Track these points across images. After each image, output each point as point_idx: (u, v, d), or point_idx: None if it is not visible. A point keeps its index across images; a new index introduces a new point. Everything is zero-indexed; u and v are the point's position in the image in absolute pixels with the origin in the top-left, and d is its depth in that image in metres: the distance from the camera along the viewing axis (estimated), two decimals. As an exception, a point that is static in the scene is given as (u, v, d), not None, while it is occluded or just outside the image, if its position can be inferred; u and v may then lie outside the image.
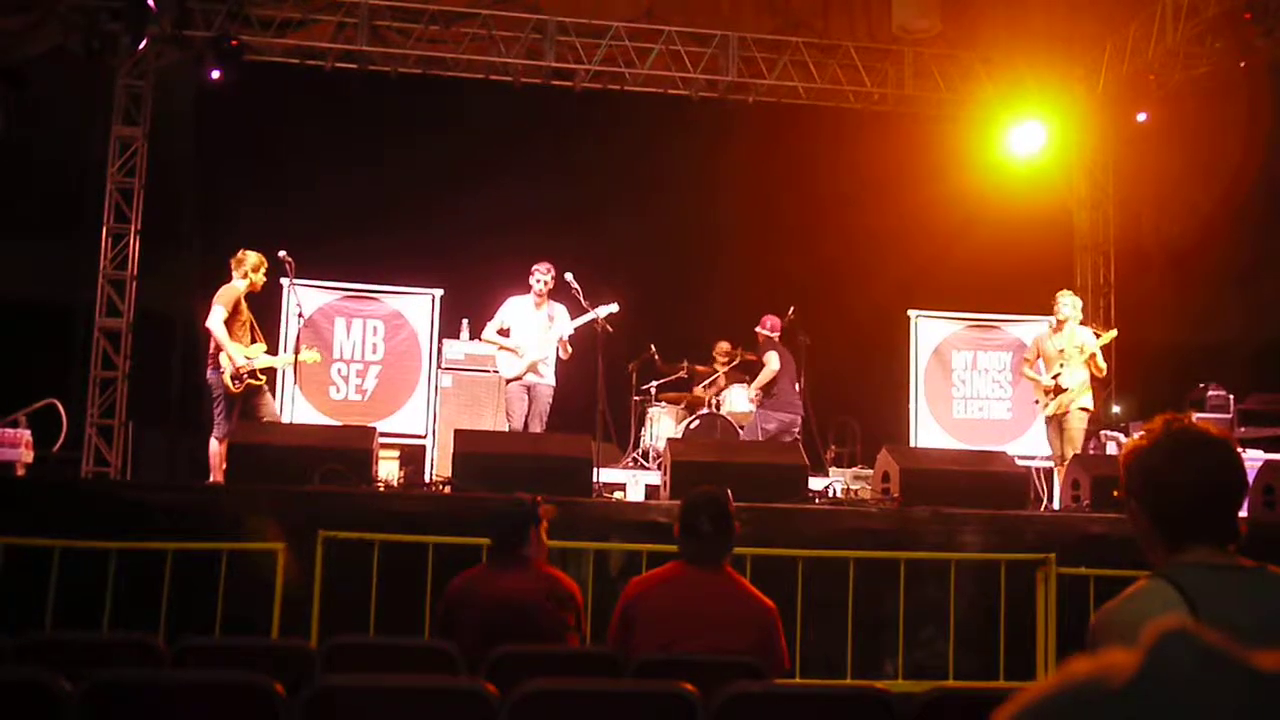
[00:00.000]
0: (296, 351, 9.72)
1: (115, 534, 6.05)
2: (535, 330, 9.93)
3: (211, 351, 8.90)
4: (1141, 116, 12.52)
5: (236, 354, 8.80)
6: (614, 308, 9.90)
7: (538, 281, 9.87)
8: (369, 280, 11.25)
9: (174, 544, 6.01)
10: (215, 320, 8.82)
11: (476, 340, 10.89)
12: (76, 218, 11.83)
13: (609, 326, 9.84)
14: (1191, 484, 2.34)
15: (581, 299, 9.81)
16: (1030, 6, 13.01)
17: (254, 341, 9.11)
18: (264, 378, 9.06)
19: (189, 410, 10.91)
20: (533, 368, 9.86)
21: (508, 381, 9.99)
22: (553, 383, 9.99)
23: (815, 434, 11.27)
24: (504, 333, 9.99)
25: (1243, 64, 11.18)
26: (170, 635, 5.28)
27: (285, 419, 10.46)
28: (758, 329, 11.07)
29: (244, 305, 9.06)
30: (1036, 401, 10.15)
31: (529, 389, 9.87)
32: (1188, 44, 11.68)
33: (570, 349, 9.87)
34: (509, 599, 4.37)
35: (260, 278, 9.15)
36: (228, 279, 9.09)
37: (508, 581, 4.46)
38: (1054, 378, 9.71)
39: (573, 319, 9.87)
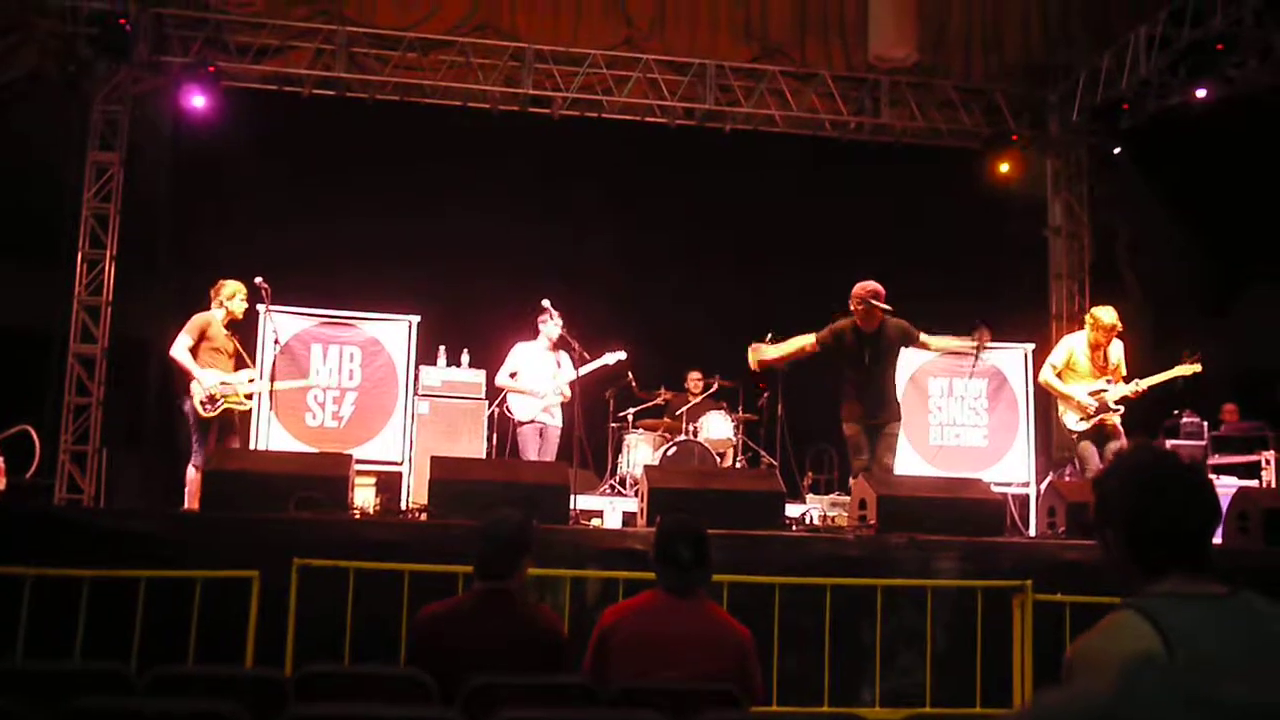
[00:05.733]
0: (273, 379, 9.71)
1: (88, 562, 5.99)
2: (545, 375, 10.49)
3: (186, 381, 8.88)
4: (1116, 150, 12.65)
5: (205, 379, 8.78)
6: (622, 355, 10.54)
7: (547, 325, 10.42)
8: (346, 307, 11.21)
9: (147, 572, 5.95)
10: (178, 348, 8.84)
11: (456, 367, 10.94)
12: (52, 243, 11.76)
13: (571, 341, 10.28)
14: (1165, 514, 2.35)
15: (548, 313, 10.06)
16: (1005, 36, 13.13)
17: (239, 369, 9.11)
18: (248, 404, 9.05)
19: (163, 437, 10.84)
20: (546, 410, 10.45)
21: (521, 424, 10.48)
22: (560, 424, 10.54)
23: (792, 461, 11.26)
24: (514, 377, 10.54)
25: (1203, 95, 11.27)
26: (143, 664, 5.24)
27: (261, 446, 10.42)
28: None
29: (220, 333, 9.03)
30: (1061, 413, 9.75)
31: (541, 431, 10.43)
32: (1161, 74, 11.80)
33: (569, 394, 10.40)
34: (487, 648, 4.09)
35: (237, 305, 9.15)
36: (206, 307, 9.09)
37: (488, 625, 4.24)
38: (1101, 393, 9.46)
39: (576, 367, 10.27)
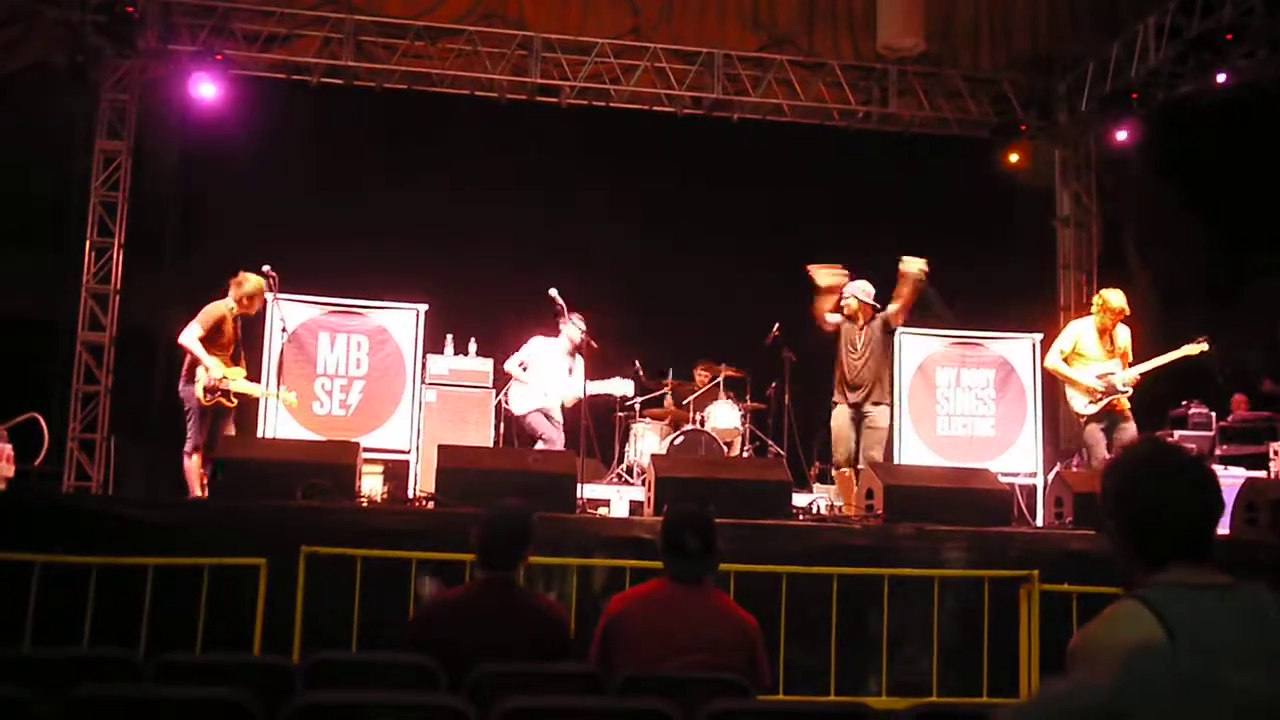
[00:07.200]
0: (277, 385, 9.74)
1: (96, 549, 6.01)
2: (558, 378, 10.53)
3: (186, 365, 8.88)
4: (1122, 135, 12.61)
5: (214, 366, 8.78)
6: (629, 389, 10.85)
7: (568, 326, 10.37)
8: (353, 295, 11.21)
9: (155, 559, 5.97)
10: (188, 335, 8.80)
11: (464, 356, 10.91)
12: (60, 231, 11.78)
13: (593, 343, 10.20)
14: (1166, 506, 2.36)
15: (565, 313, 10.00)
16: (1013, 25, 13.10)
17: (234, 366, 9.09)
18: (235, 402, 9.04)
19: (171, 425, 10.83)
20: (545, 411, 10.46)
21: (517, 417, 10.57)
22: (561, 417, 10.58)
23: (799, 450, 11.26)
24: (524, 369, 10.58)
25: (1222, 80, 11.23)
26: (150, 651, 5.26)
27: (269, 434, 10.43)
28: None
29: (228, 327, 9.01)
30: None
31: (547, 413, 10.50)
32: (1170, 64, 11.76)
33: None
34: (489, 638, 4.04)
35: (254, 307, 9.15)
36: (218, 294, 9.07)
37: (490, 615, 4.21)
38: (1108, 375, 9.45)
39: (586, 378, 10.22)
